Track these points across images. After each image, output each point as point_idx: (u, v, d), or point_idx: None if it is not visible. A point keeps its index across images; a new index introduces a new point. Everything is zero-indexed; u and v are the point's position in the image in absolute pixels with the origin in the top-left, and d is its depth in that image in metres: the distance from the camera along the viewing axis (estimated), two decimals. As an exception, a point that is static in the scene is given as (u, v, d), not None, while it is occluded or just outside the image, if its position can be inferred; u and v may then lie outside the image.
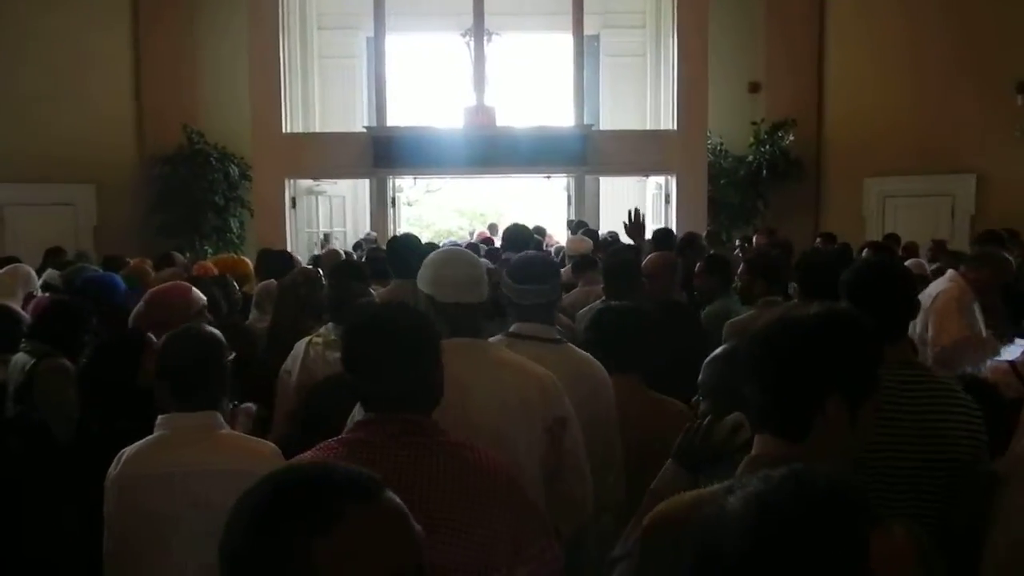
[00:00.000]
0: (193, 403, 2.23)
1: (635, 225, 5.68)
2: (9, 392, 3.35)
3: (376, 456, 1.65)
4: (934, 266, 7.41)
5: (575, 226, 8.48)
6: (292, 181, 10.77)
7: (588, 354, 2.62)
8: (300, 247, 10.48)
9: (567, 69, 11.11)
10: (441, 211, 24.35)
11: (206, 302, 3.60)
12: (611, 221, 11.41)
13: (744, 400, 1.85)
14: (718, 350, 2.10)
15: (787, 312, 1.50)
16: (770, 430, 1.47)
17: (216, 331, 2.47)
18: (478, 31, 10.46)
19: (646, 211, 12.03)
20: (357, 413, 1.94)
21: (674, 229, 9.29)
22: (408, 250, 5.00)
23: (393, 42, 10.93)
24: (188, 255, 8.32)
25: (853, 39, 11.45)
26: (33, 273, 5.15)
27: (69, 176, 10.68)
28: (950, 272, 4.06)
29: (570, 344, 2.65)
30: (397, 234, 10.71)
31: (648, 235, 9.15)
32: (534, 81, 13.48)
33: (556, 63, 12.81)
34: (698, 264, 5.36)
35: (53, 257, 7.14)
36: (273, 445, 2.30)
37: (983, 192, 10.57)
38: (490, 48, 10.71)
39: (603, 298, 4.31)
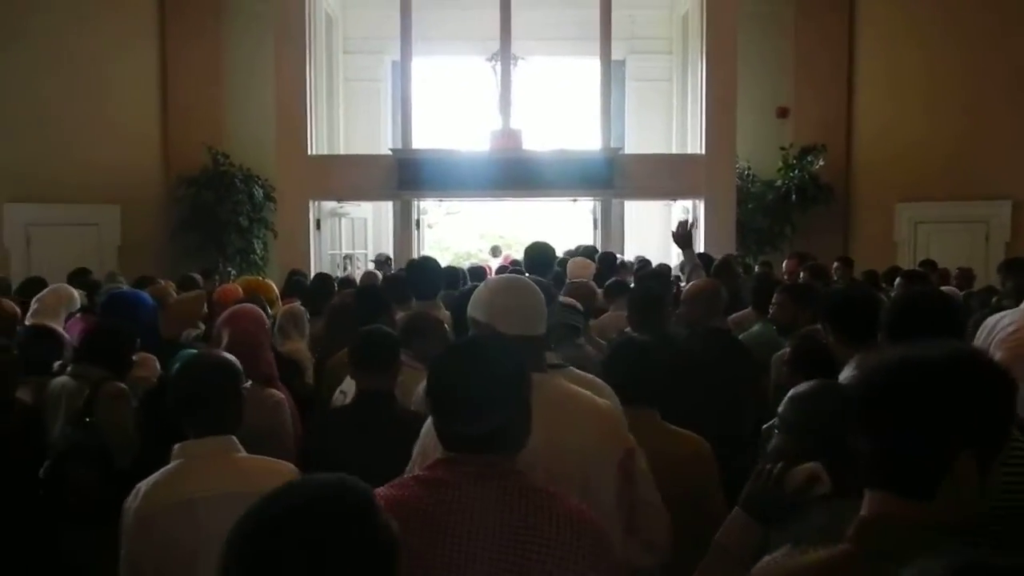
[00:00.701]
0: (209, 429, 2.22)
1: (684, 235, 5.46)
2: (60, 416, 3.29)
3: (458, 498, 1.55)
4: (962, 293, 7.19)
5: (573, 251, 8.31)
6: (316, 203, 10.72)
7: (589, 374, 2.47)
8: (324, 269, 10.40)
9: (593, 93, 11.04)
10: (461, 234, 24.32)
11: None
12: (636, 245, 11.32)
13: (825, 443, 1.72)
14: (805, 386, 1.93)
15: (909, 354, 1.32)
16: (888, 488, 1.30)
17: (230, 356, 2.45)
18: (505, 55, 10.42)
19: (670, 236, 11.93)
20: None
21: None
22: (430, 272, 4.94)
23: (419, 65, 10.90)
24: (217, 277, 8.23)
25: (882, 63, 11.33)
26: (75, 294, 5.12)
27: (94, 196, 10.68)
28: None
29: (571, 367, 2.47)
30: (415, 256, 10.74)
31: (674, 261, 9.08)
32: (560, 105, 13.41)
33: (582, 88, 12.75)
34: (775, 295, 5.11)
35: (78, 277, 7.09)
36: (292, 465, 2.29)
37: (1019, 218, 10.36)
38: (516, 72, 10.66)
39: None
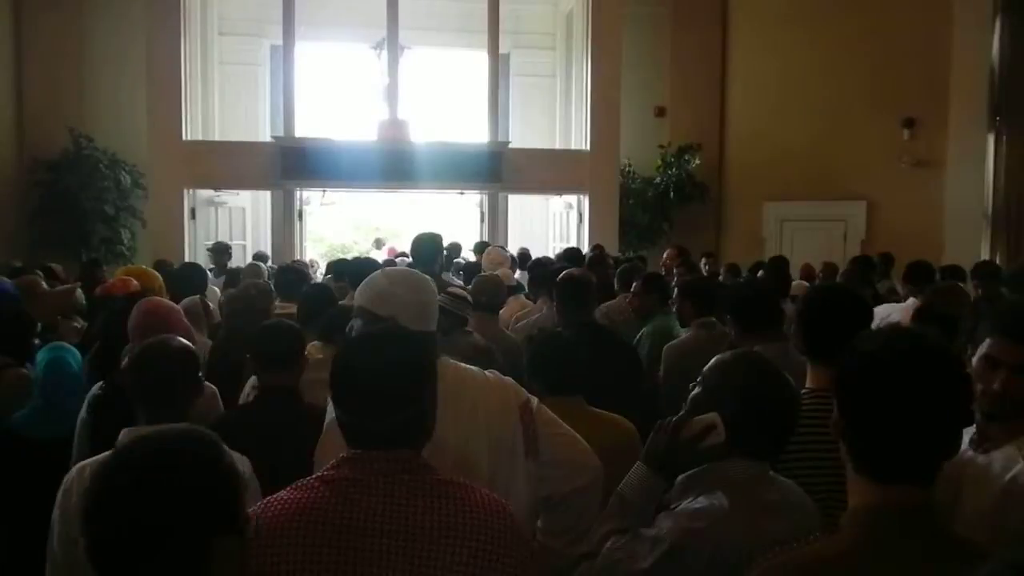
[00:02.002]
0: (162, 416, 2.19)
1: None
2: None
3: (367, 496, 1.49)
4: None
5: (480, 246, 8.39)
6: (192, 191, 10.20)
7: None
8: (199, 261, 9.91)
9: (476, 86, 11.07)
10: (335, 225, 23.77)
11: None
12: (519, 237, 11.44)
13: (737, 400, 1.80)
14: (727, 354, 2.00)
15: (903, 343, 1.35)
16: (895, 478, 1.33)
17: (188, 344, 2.45)
18: (392, 44, 10.26)
19: (549, 229, 12.14)
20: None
21: (586, 248, 9.38)
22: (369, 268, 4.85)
23: (300, 51, 10.55)
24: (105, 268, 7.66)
25: (751, 68, 11.93)
26: None
27: (-64, 179, 9.76)
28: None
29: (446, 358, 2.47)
30: (297, 248, 10.44)
31: (552, 253, 9.24)
32: (442, 97, 13.33)
33: (466, 80, 12.76)
34: (635, 284, 5.41)
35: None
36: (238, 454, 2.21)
37: (873, 217, 11.19)
38: (402, 61, 10.52)
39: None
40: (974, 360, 1.97)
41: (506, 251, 7.28)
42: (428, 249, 4.77)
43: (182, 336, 2.51)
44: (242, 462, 2.03)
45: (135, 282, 4.42)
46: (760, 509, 1.74)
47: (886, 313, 4.25)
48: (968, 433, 2.07)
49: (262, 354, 2.82)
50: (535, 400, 2.15)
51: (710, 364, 1.97)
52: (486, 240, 9.61)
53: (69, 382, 3.18)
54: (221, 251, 8.65)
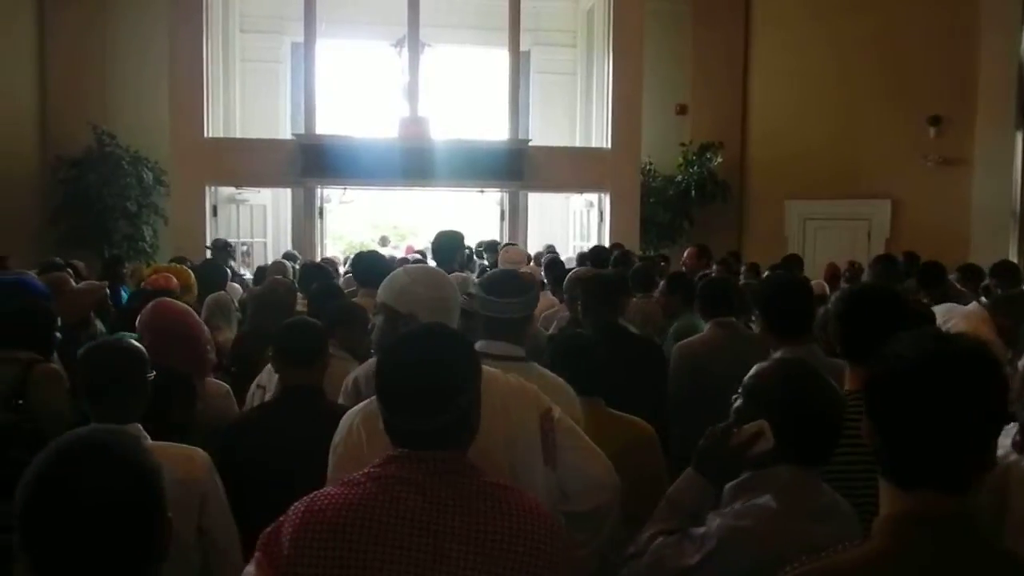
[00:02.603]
0: (113, 417, 2.19)
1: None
2: None
3: (419, 496, 1.48)
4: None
5: (490, 245, 8.40)
6: (213, 188, 10.23)
7: (552, 373, 2.52)
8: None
9: (496, 83, 11.02)
10: (354, 223, 23.81)
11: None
12: (538, 236, 11.40)
13: (778, 410, 1.77)
14: (768, 362, 1.98)
15: (938, 347, 1.30)
16: (927, 484, 1.28)
17: (136, 343, 2.43)
18: (413, 40, 10.23)
19: (569, 228, 12.09)
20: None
21: (607, 246, 9.32)
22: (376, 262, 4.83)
23: (320, 48, 10.55)
24: (127, 268, 7.66)
25: (776, 65, 11.82)
26: None
27: (-39, 177, 9.83)
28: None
29: (535, 363, 2.52)
30: (318, 247, 10.45)
31: (574, 252, 9.19)
32: (462, 95, 13.31)
33: (486, 77, 12.72)
34: (661, 284, 5.38)
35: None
36: (202, 451, 2.27)
37: (898, 216, 11.05)
38: (423, 59, 10.50)
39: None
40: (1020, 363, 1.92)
41: (523, 249, 7.25)
42: (448, 247, 4.75)
43: (194, 339, 2.50)
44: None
45: (175, 279, 4.46)
46: (807, 513, 1.73)
47: (946, 313, 4.10)
48: (1009, 435, 2.02)
49: (284, 352, 2.79)
50: (557, 409, 2.12)
51: (752, 372, 1.96)
52: (495, 239, 9.56)
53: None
54: (221, 248, 8.47)
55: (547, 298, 5.58)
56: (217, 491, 2.24)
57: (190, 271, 5.13)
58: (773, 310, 3.12)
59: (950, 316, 4.07)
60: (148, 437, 2.21)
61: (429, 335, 1.66)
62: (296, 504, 1.51)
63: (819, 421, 1.81)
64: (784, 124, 11.53)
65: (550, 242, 10.73)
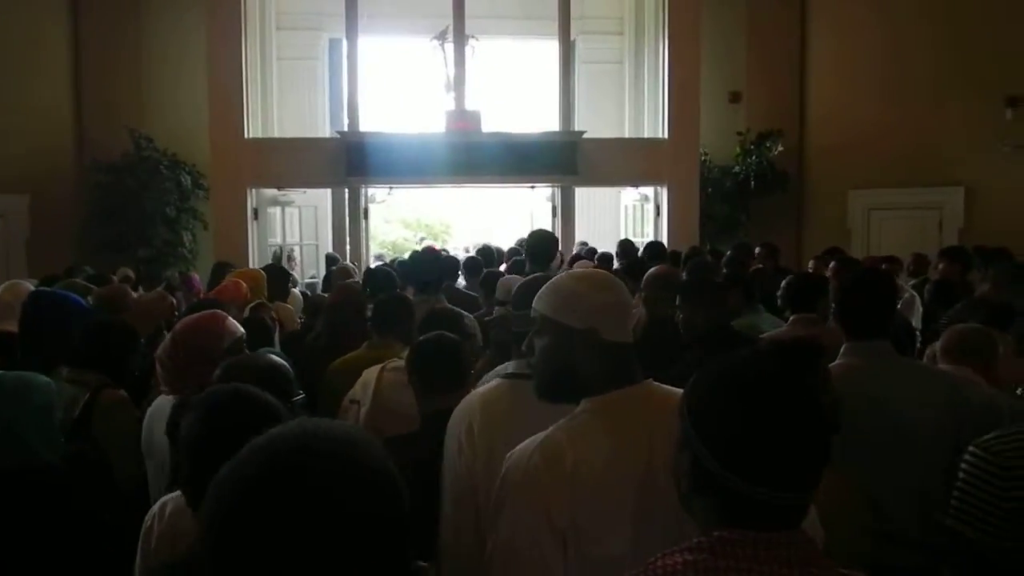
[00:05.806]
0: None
1: None
2: None
3: None
4: (913, 281, 7.03)
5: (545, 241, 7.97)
6: (254, 191, 9.87)
7: None
8: (262, 262, 9.59)
9: (540, 75, 10.56)
10: (386, 223, 23.50)
11: (243, 335, 2.85)
12: (585, 233, 10.94)
13: None
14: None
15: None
16: None
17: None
18: (458, 32, 9.80)
19: (620, 223, 11.60)
20: None
21: (665, 242, 8.84)
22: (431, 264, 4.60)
23: (360, 44, 10.15)
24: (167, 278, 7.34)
25: (833, 49, 11.28)
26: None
27: (-1, 185, 9.54)
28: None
29: None
30: (363, 249, 10.06)
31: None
32: (509, 87, 12.88)
33: (532, 68, 12.29)
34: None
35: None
36: None
37: (972, 205, 10.43)
38: (470, 52, 10.06)
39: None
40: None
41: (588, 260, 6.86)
42: (543, 248, 4.31)
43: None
44: None
45: (245, 286, 4.18)
46: None
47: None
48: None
49: (429, 376, 2.45)
50: None
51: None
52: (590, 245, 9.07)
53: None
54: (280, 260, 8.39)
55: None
56: None
57: (263, 272, 4.93)
58: (847, 307, 2.77)
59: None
60: None
61: (783, 374, 1.22)
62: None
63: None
64: (844, 110, 10.97)
65: (599, 239, 10.30)
